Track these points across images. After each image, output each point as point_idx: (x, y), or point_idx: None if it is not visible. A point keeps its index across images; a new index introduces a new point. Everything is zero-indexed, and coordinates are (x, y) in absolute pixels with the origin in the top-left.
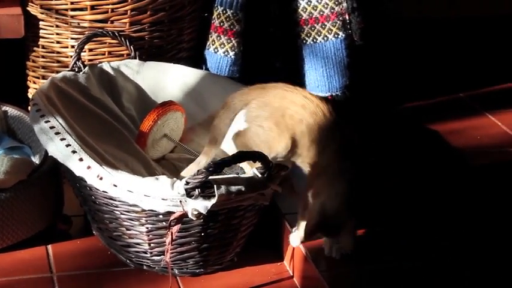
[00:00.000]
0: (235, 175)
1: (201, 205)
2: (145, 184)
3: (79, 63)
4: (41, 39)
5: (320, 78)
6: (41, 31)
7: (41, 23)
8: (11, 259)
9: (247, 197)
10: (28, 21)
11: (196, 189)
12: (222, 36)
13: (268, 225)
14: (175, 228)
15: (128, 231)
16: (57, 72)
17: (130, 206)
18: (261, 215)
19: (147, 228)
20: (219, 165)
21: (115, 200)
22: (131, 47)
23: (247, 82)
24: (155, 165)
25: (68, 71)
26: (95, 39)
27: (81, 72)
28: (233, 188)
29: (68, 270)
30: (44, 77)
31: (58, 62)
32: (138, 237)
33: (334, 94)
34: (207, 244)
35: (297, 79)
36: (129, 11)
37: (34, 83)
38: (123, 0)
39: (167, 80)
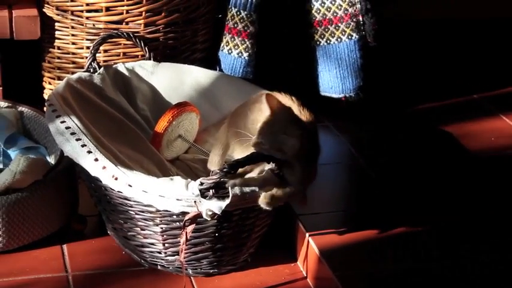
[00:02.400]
0: (250, 176)
1: (216, 205)
2: (160, 184)
3: (94, 64)
4: (56, 41)
5: (334, 80)
6: (56, 32)
7: (56, 24)
8: (27, 258)
9: None
10: (44, 23)
11: (211, 190)
12: (236, 37)
13: (281, 225)
14: (189, 229)
15: (143, 231)
16: (73, 73)
17: (145, 206)
18: (275, 216)
19: (162, 228)
20: (233, 166)
21: (130, 200)
22: (146, 48)
23: (261, 83)
24: (169, 165)
25: (83, 71)
26: (109, 40)
27: (96, 73)
28: (247, 189)
29: (83, 269)
30: (59, 78)
31: (73, 63)
32: (153, 237)
33: (347, 95)
34: (221, 244)
35: (311, 80)
36: (144, 13)
37: (49, 83)
38: (138, 2)
39: (181, 81)
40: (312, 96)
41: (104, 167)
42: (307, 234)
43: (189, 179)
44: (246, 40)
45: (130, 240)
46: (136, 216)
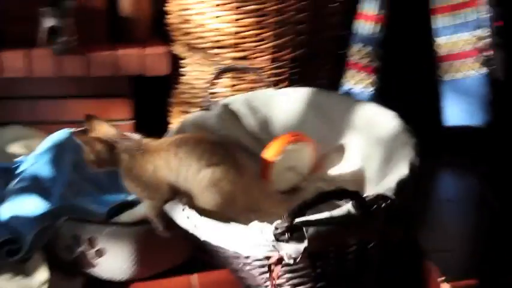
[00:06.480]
0: (328, 213)
1: (293, 249)
2: (237, 231)
3: (211, 100)
4: (184, 76)
5: (461, 114)
6: (184, 68)
7: (185, 60)
8: (157, 287)
9: (349, 235)
10: (173, 59)
11: (286, 234)
12: (360, 72)
13: (408, 264)
14: (275, 272)
15: (243, 274)
16: (200, 107)
17: (233, 252)
18: (397, 252)
19: (258, 272)
20: (302, 207)
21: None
22: (267, 79)
23: None
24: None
25: (201, 110)
26: (236, 76)
27: (212, 110)
28: (324, 228)
29: None
30: (186, 112)
31: (200, 98)
32: (254, 281)
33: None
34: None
35: (437, 113)
36: (270, 48)
37: (177, 118)
38: (264, 38)
39: (301, 106)
40: (437, 128)
41: (188, 217)
42: (439, 278)
43: (265, 223)
44: (370, 75)
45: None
46: (231, 260)
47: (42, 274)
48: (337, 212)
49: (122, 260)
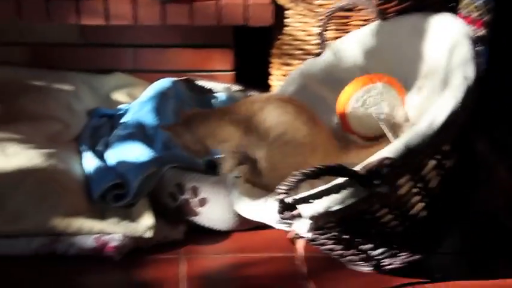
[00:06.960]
0: (322, 187)
1: (299, 225)
2: (259, 208)
3: (322, 44)
4: (286, 28)
5: None
6: (287, 19)
7: (288, 11)
8: (260, 238)
9: (355, 204)
10: (276, 10)
11: (284, 212)
12: (469, 26)
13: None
14: (299, 245)
15: None
16: (301, 59)
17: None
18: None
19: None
20: (290, 184)
21: None
22: (376, 10)
23: (492, 73)
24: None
25: (313, 57)
26: (339, 27)
27: (322, 56)
28: (322, 204)
29: (310, 251)
30: (288, 64)
31: (302, 50)
32: None
33: None
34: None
35: None
36: (376, 0)
37: (278, 69)
38: None
39: (408, 34)
40: None
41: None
42: None
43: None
44: (480, 29)
45: None
46: None
47: (148, 220)
48: (330, 185)
49: (223, 211)
